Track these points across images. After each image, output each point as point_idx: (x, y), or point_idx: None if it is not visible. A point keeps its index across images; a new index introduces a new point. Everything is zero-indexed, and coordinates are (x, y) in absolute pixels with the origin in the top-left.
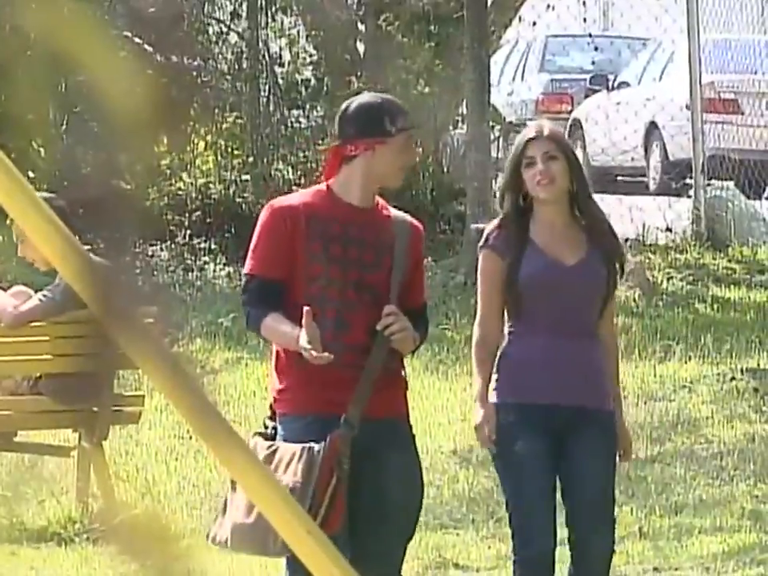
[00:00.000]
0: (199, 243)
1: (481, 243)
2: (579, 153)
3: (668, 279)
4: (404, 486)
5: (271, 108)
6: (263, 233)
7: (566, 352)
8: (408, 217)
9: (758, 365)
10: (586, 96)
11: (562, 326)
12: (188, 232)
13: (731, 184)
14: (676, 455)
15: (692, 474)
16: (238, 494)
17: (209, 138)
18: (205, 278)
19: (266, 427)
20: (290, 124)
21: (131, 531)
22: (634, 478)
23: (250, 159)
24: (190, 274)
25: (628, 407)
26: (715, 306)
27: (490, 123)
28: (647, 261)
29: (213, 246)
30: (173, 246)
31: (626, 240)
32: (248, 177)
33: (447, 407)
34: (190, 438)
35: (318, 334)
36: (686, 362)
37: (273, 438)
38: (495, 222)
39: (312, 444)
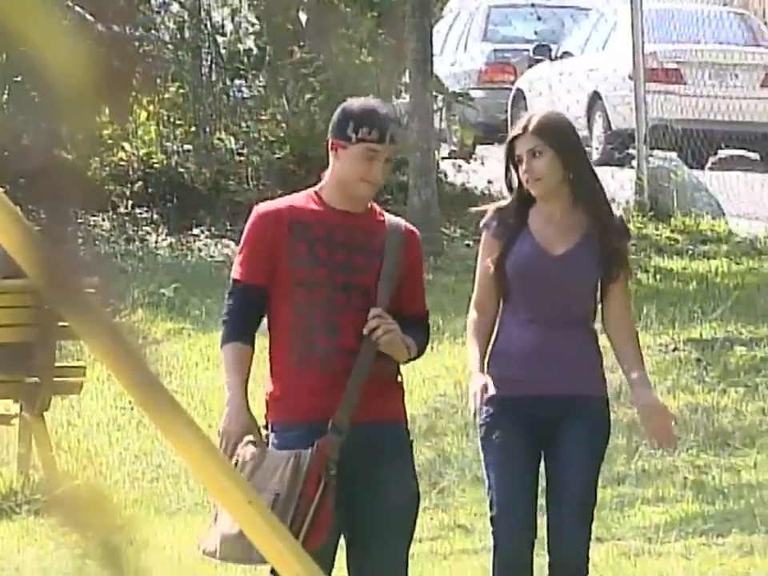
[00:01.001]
0: (141, 213)
1: (483, 224)
2: None
3: None
4: (398, 492)
5: (213, 78)
6: (247, 239)
7: (549, 342)
8: (403, 222)
9: (701, 335)
10: (529, 66)
11: (546, 316)
12: (130, 202)
13: (674, 154)
14: (618, 426)
15: (634, 444)
16: None
17: (151, 107)
18: (147, 249)
19: (260, 435)
20: (232, 94)
21: (73, 502)
22: None
23: (192, 129)
24: (131, 244)
25: None
26: (658, 277)
27: (433, 93)
28: None
29: (155, 217)
30: (114, 216)
31: None
32: (190, 147)
33: None
34: (132, 408)
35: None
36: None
37: (267, 444)
38: (503, 202)
39: (299, 450)
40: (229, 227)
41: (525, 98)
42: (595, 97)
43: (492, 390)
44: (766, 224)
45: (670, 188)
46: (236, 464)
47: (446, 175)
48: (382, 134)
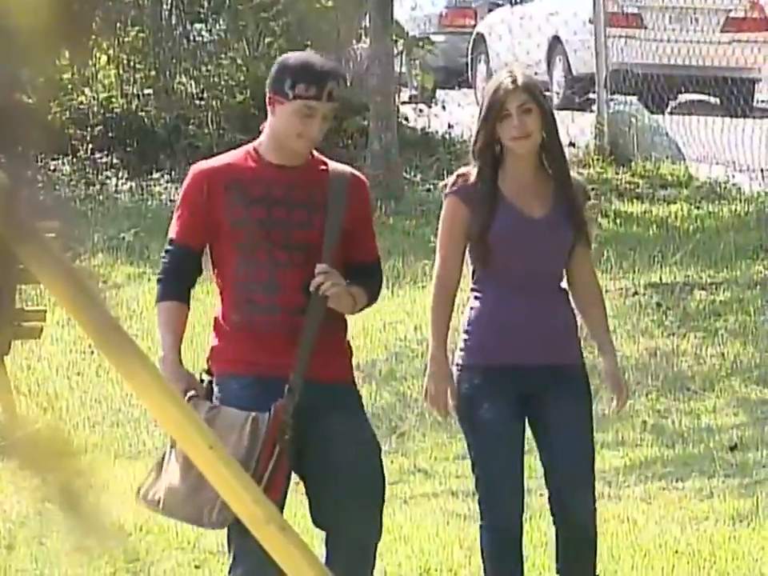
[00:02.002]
0: (101, 158)
1: (447, 190)
2: (482, 67)
3: None
4: (359, 449)
5: (174, 21)
6: (183, 199)
7: (534, 309)
8: (348, 170)
9: (661, 279)
10: (490, 10)
11: (529, 282)
12: (90, 146)
13: (634, 99)
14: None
15: (594, 388)
16: (175, 453)
17: (111, 51)
18: (107, 193)
19: (202, 381)
20: (192, 38)
21: (32, 446)
22: None
23: (153, 73)
24: (91, 188)
25: None
26: (618, 221)
27: (393, 38)
28: None
29: (115, 161)
30: (75, 160)
31: None
32: (150, 91)
33: (350, 322)
34: (92, 352)
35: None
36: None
37: (210, 392)
38: (464, 169)
39: (257, 414)
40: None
41: (485, 43)
42: (555, 41)
43: (450, 387)
44: (726, 168)
45: (630, 132)
46: None
47: (406, 119)
48: (319, 91)
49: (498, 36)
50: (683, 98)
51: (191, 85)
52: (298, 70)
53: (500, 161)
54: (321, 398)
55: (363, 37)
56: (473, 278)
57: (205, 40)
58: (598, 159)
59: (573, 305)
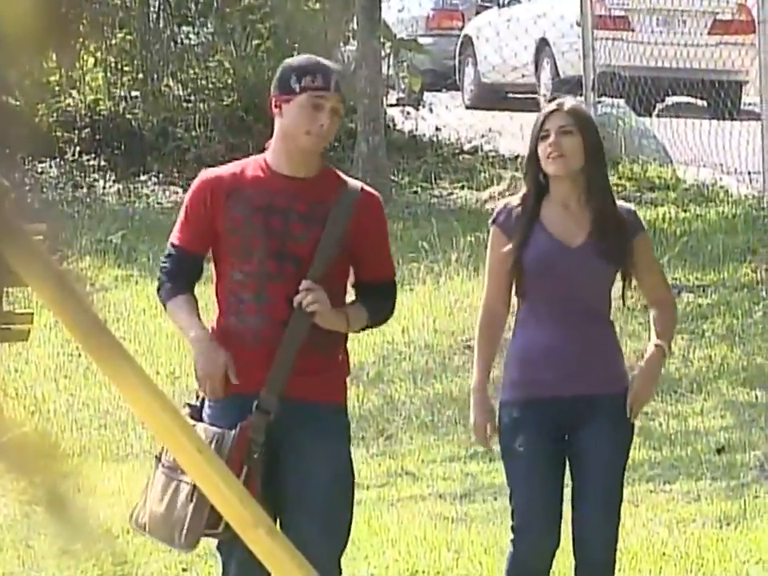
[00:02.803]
0: (89, 160)
1: (491, 218)
2: (470, 70)
3: None
4: (329, 478)
5: (161, 24)
6: (187, 205)
7: (570, 340)
8: (361, 186)
9: None
10: (477, 12)
11: (566, 312)
12: (77, 149)
13: (621, 101)
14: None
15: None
16: (157, 475)
17: (98, 54)
18: (94, 195)
19: (197, 396)
20: (179, 40)
21: (19, 449)
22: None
23: (140, 76)
24: (79, 191)
25: None
26: None
27: (381, 39)
28: None
29: (102, 163)
30: (62, 162)
31: (517, 157)
32: (138, 93)
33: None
34: (80, 355)
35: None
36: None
37: (200, 410)
38: (512, 198)
39: (223, 431)
40: (176, 174)
41: (473, 45)
42: (543, 43)
43: (491, 420)
44: (713, 171)
45: (617, 135)
46: None
47: (393, 122)
48: (326, 82)
49: (486, 38)
50: (670, 100)
51: (178, 87)
52: (302, 65)
53: (545, 188)
54: (300, 418)
55: (351, 39)
56: (517, 306)
57: (192, 43)
58: None
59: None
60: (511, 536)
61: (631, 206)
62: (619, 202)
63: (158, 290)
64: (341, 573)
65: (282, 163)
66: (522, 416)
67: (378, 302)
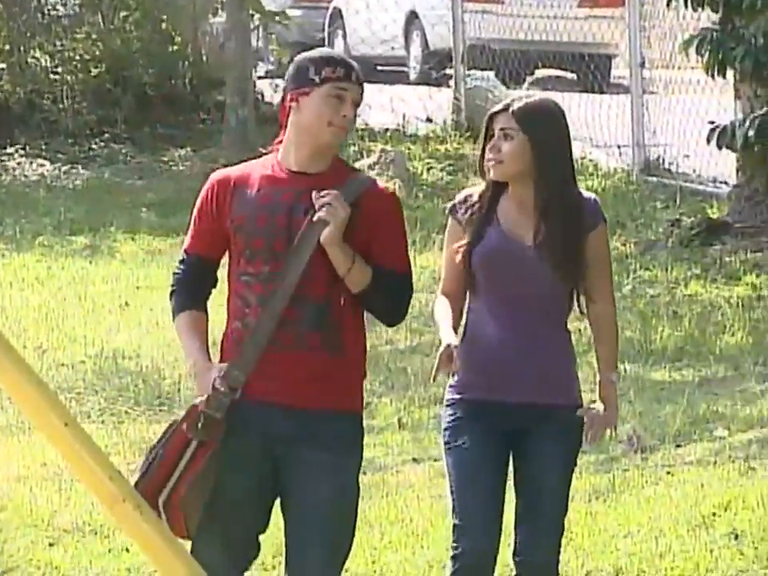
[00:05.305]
0: None
1: (449, 207)
2: (339, 42)
3: (428, 169)
4: (324, 492)
5: None
6: (196, 209)
7: (521, 343)
8: (369, 179)
9: None
10: None
11: (514, 313)
12: None
13: (491, 74)
14: (436, 346)
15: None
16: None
17: None
18: None
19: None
20: (47, 12)
21: None
22: (394, 369)
23: (6, 47)
24: None
25: None
26: None
27: (250, 12)
28: (407, 151)
29: None
30: None
31: (386, 130)
32: (4, 65)
33: None
34: None
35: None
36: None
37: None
38: (470, 190)
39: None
40: (44, 146)
41: (342, 17)
42: (412, 16)
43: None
44: (583, 144)
45: (487, 108)
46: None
47: (263, 95)
48: (348, 72)
49: (355, 10)
50: (540, 73)
51: (46, 59)
52: (320, 56)
53: (505, 184)
54: (302, 426)
55: (219, 11)
56: (467, 307)
57: (60, 14)
58: (455, 135)
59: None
60: (453, 537)
61: (593, 195)
62: (584, 193)
63: (170, 297)
64: None
65: (292, 159)
66: (467, 416)
67: (385, 284)
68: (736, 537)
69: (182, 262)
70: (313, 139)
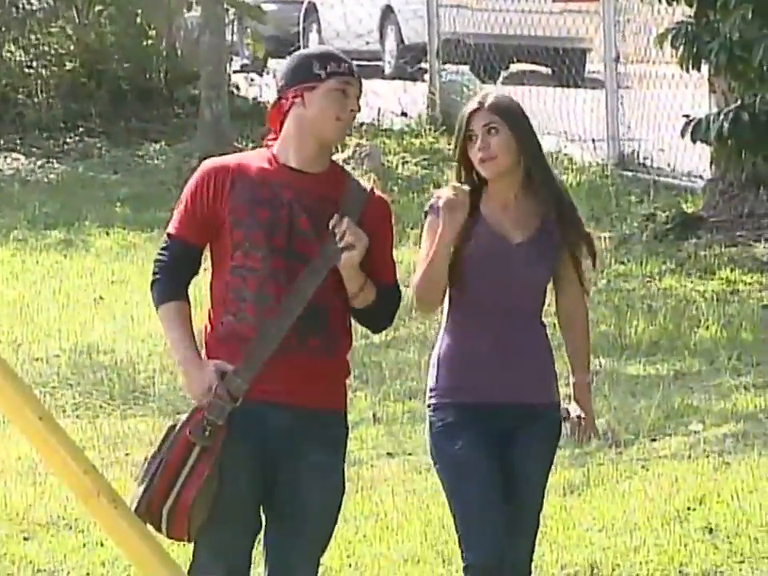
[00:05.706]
0: None
1: (429, 205)
2: (314, 36)
3: (403, 164)
4: (320, 491)
5: None
6: (188, 194)
7: (510, 344)
8: (369, 187)
9: None
10: None
11: (505, 312)
12: None
13: (466, 68)
14: (410, 340)
15: (426, 359)
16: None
17: None
18: None
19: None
20: (21, 6)
21: None
22: (368, 363)
23: None
24: None
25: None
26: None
27: (225, 5)
28: (382, 145)
29: None
30: None
31: (361, 124)
32: None
33: None
34: None
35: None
36: (420, 247)
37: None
38: (448, 188)
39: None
40: (18, 141)
41: (317, 12)
42: (388, 10)
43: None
44: (558, 138)
45: (462, 102)
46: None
47: (237, 89)
48: (350, 67)
49: (330, 5)
50: (515, 67)
51: (20, 54)
52: (323, 52)
53: (483, 182)
54: (300, 426)
55: (194, 5)
56: (449, 307)
57: (34, 8)
58: (430, 129)
59: (560, 331)
60: (461, 548)
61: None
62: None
63: (152, 285)
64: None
65: (291, 156)
66: (455, 420)
67: (382, 298)
68: (711, 531)
69: (165, 248)
70: (319, 134)
